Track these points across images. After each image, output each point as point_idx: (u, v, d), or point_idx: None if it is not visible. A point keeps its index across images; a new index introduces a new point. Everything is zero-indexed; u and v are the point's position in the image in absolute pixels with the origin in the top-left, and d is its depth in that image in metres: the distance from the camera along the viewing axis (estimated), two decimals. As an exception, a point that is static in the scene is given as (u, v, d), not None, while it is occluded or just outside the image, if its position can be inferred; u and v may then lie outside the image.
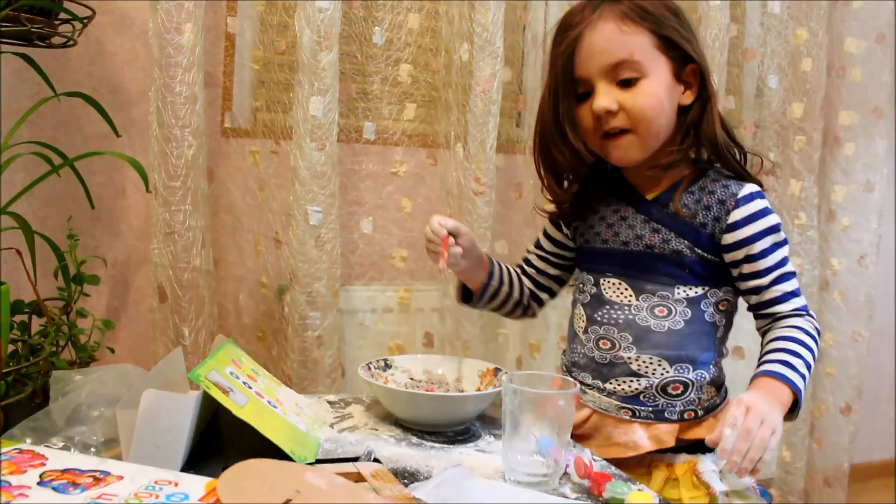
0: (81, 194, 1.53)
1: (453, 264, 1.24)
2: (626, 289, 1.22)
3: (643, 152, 1.18)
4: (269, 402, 1.08)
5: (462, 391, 1.25)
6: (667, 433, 1.19)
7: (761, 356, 1.15)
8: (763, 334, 1.21)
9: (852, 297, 2.58)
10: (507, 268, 1.39)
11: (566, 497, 0.94)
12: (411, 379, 1.27)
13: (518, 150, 2.16)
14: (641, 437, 1.19)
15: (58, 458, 0.76)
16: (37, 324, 1.45)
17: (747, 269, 1.18)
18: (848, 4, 2.45)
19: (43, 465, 0.74)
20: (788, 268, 1.18)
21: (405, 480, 0.95)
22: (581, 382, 1.23)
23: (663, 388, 1.19)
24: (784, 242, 1.19)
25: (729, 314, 1.24)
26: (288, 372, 1.83)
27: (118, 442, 0.93)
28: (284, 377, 1.84)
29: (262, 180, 1.93)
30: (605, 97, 1.15)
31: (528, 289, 1.40)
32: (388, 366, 1.28)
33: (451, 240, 1.22)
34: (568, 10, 1.22)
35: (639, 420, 1.20)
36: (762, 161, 1.30)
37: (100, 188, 1.86)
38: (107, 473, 0.73)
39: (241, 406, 0.99)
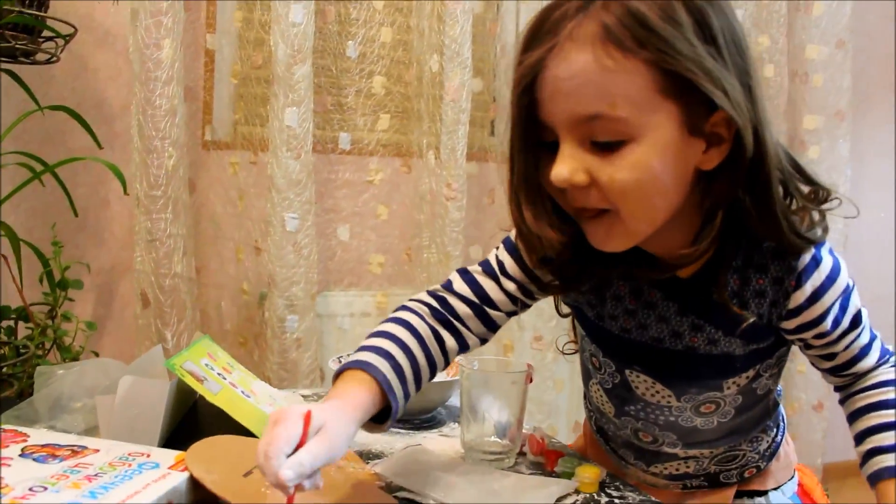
0: (66, 206, 1.59)
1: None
2: (663, 389, 0.95)
3: (628, 240, 0.80)
4: (242, 392, 1.14)
5: (429, 381, 1.31)
6: (723, 498, 1.04)
7: (863, 435, 0.91)
8: (841, 389, 0.97)
9: (821, 296, 2.65)
10: (418, 364, 0.92)
11: (521, 472, 1.00)
12: (381, 371, 1.33)
13: (491, 157, 2.24)
14: None
15: (39, 435, 0.82)
16: (24, 330, 1.52)
17: (817, 342, 0.90)
18: (808, 12, 2.54)
19: (24, 440, 0.80)
20: (863, 319, 0.90)
21: (369, 461, 1.01)
22: (622, 458, 1.08)
23: (715, 462, 1.03)
24: (852, 290, 0.88)
25: (781, 369, 0.98)
26: (268, 374, 1.89)
27: (98, 431, 0.99)
28: (264, 379, 1.90)
29: (241, 190, 2.00)
30: (567, 164, 0.74)
31: (471, 337, 0.99)
32: (358, 359, 1.33)
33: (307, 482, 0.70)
34: (546, 5, 0.77)
35: (691, 490, 1.06)
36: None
37: (84, 199, 1.92)
38: (84, 447, 0.79)
39: (215, 394, 1.05)
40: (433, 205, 2.06)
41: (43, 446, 0.79)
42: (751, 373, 0.93)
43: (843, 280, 0.86)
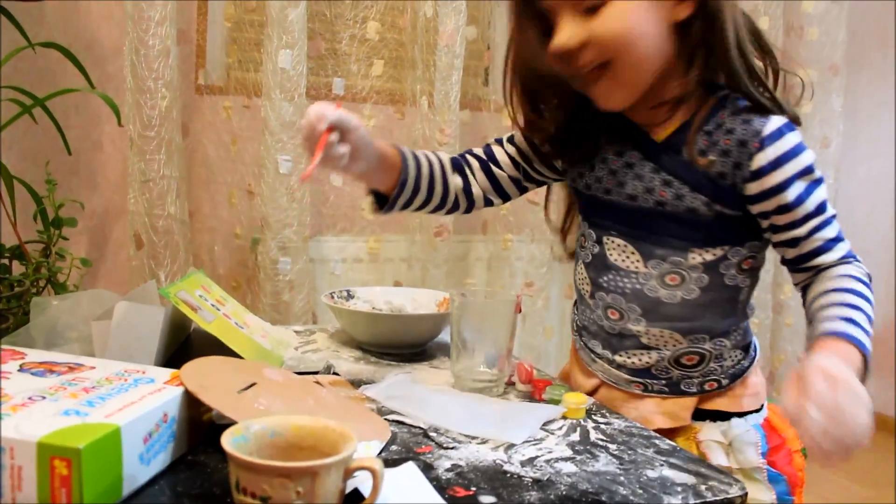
0: (59, 147, 1.59)
1: (340, 168, 0.99)
2: (633, 253, 1.03)
3: (629, 91, 0.98)
4: (236, 323, 1.15)
5: (420, 318, 1.33)
6: (683, 408, 1.05)
7: (814, 312, 0.95)
8: (805, 289, 1.02)
9: (810, 248, 2.68)
10: (431, 162, 1.15)
11: (509, 400, 1.03)
12: (373, 308, 1.35)
13: (484, 106, 2.25)
14: (652, 413, 1.05)
15: (36, 354, 0.84)
16: (18, 269, 1.52)
17: (780, 220, 0.97)
18: (805, -35, 2.53)
19: (23, 358, 0.81)
20: (829, 212, 0.97)
21: (360, 387, 1.03)
22: (591, 350, 1.11)
23: (676, 360, 1.04)
24: (820, 181, 0.97)
25: (754, 271, 1.05)
26: (261, 315, 1.91)
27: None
28: (258, 321, 1.92)
29: (234, 134, 2.00)
30: (565, 31, 0.94)
31: (476, 186, 1.18)
32: (350, 296, 1.35)
33: (334, 135, 0.93)
34: None
35: (651, 394, 1.07)
36: (802, 84, 1.05)
37: (77, 143, 1.92)
38: (81, 364, 0.81)
39: (209, 322, 1.06)
40: (426, 150, 2.06)
41: (41, 363, 0.80)
42: (718, 251, 1.00)
43: (806, 157, 0.95)
